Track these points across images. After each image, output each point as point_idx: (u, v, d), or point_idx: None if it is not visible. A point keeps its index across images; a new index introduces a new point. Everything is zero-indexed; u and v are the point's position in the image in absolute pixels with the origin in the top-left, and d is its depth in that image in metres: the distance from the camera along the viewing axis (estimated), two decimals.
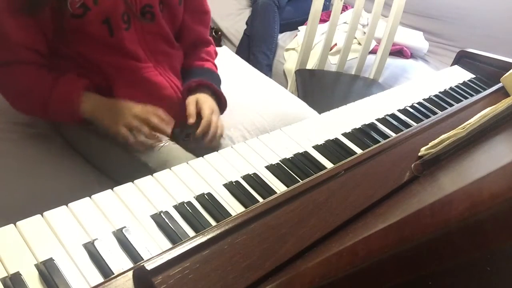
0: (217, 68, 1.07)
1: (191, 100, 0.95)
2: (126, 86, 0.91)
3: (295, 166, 0.75)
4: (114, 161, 0.92)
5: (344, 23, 2.09)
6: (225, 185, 0.68)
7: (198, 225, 0.60)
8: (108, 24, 0.84)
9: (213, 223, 0.61)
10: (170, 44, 0.99)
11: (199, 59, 1.05)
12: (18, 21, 0.79)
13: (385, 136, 0.86)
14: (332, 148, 0.81)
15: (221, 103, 1.01)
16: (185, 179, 0.68)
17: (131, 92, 0.91)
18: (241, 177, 0.70)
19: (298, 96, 1.44)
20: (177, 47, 1.02)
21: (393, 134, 0.85)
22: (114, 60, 0.89)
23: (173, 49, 1.00)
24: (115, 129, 0.85)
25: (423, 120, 0.84)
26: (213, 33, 2.21)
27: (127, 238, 0.56)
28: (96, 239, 0.56)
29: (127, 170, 0.90)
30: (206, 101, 0.95)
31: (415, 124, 0.89)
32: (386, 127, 0.89)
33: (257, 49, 2.10)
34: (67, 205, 0.60)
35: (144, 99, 0.92)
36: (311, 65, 1.86)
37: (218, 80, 1.04)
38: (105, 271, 0.52)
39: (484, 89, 1.05)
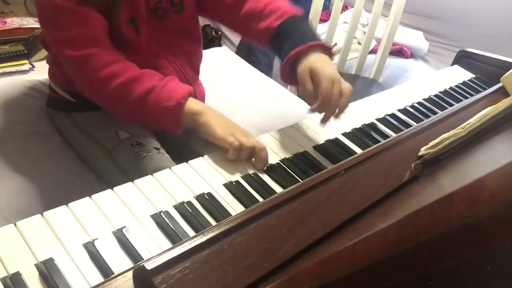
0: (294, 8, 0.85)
1: (303, 71, 0.76)
2: None
3: (295, 166, 0.75)
4: (98, 164, 0.91)
5: (344, 23, 2.09)
6: (225, 185, 0.68)
7: (198, 225, 0.60)
8: (134, 23, 0.83)
9: (213, 223, 0.61)
10: (188, 39, 0.95)
11: (269, 16, 0.84)
12: (84, 11, 0.76)
13: (385, 136, 0.86)
14: (332, 148, 0.81)
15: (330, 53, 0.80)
16: (185, 179, 0.68)
17: None
18: (241, 177, 0.70)
19: (298, 96, 1.44)
20: (197, 41, 0.98)
21: (393, 134, 0.85)
22: (131, 59, 0.84)
23: (192, 44, 0.97)
24: (224, 135, 0.73)
25: (423, 120, 0.84)
26: (213, 33, 2.21)
27: (127, 238, 0.56)
28: (96, 239, 0.56)
29: (108, 175, 0.89)
30: (325, 67, 0.74)
31: (415, 124, 0.89)
32: (386, 127, 0.89)
33: (257, 49, 2.10)
34: (67, 205, 0.60)
35: None
36: None
37: (309, 26, 0.83)
38: (105, 271, 0.52)
39: (484, 89, 1.05)
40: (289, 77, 0.82)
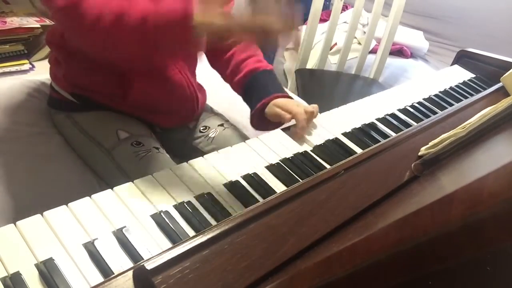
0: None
1: (271, 109, 0.88)
2: (145, 84, 0.88)
3: (295, 166, 0.75)
4: (97, 164, 0.91)
5: (344, 22, 2.09)
6: (225, 185, 0.68)
7: (198, 225, 0.60)
8: None
9: (213, 222, 0.61)
10: None
11: (239, 72, 0.94)
12: None
13: (385, 136, 0.86)
14: (332, 148, 0.81)
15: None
16: (185, 179, 0.68)
17: (149, 89, 0.88)
18: (241, 177, 0.70)
19: (298, 96, 1.44)
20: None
21: (393, 134, 0.85)
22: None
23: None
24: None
25: (423, 120, 0.84)
26: None
27: (127, 238, 0.56)
28: (96, 239, 0.56)
29: (108, 174, 0.89)
30: (287, 101, 0.87)
31: (415, 123, 0.89)
32: (386, 126, 0.89)
33: None
34: (67, 205, 0.60)
35: (163, 97, 0.90)
36: (311, 64, 1.86)
37: (275, 80, 0.94)
38: (105, 271, 0.52)
39: (484, 89, 1.05)
40: (258, 125, 0.91)
